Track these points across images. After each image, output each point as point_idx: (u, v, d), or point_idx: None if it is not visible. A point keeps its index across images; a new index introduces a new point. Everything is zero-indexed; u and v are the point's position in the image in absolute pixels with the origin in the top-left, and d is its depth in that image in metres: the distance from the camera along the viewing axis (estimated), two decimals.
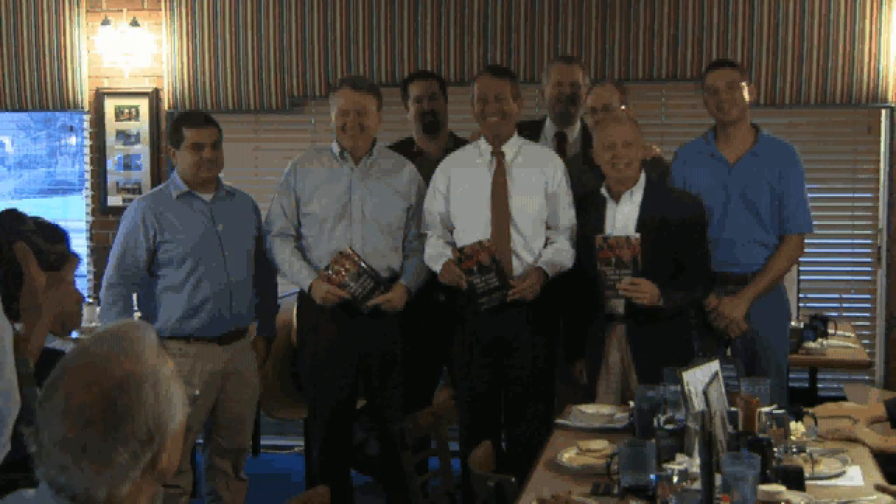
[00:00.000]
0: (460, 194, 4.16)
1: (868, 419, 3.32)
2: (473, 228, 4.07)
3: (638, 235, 3.84)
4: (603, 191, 4.03)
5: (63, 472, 1.48)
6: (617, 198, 3.99)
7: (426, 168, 4.37)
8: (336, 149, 4.23)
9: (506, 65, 5.46)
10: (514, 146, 4.17)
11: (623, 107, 4.51)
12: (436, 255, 4.11)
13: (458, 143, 4.63)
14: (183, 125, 4.14)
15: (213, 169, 4.15)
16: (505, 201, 4.09)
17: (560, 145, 4.59)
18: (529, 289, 3.99)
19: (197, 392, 3.97)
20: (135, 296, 4.22)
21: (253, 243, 4.26)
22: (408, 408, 4.11)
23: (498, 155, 4.15)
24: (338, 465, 4.29)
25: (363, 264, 4.06)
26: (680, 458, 2.86)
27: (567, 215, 4.12)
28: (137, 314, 4.24)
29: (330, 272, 4.05)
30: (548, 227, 4.13)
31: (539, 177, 4.12)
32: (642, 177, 4.00)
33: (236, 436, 4.26)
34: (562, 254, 4.07)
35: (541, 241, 4.11)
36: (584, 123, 4.69)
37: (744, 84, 4.20)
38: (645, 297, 3.82)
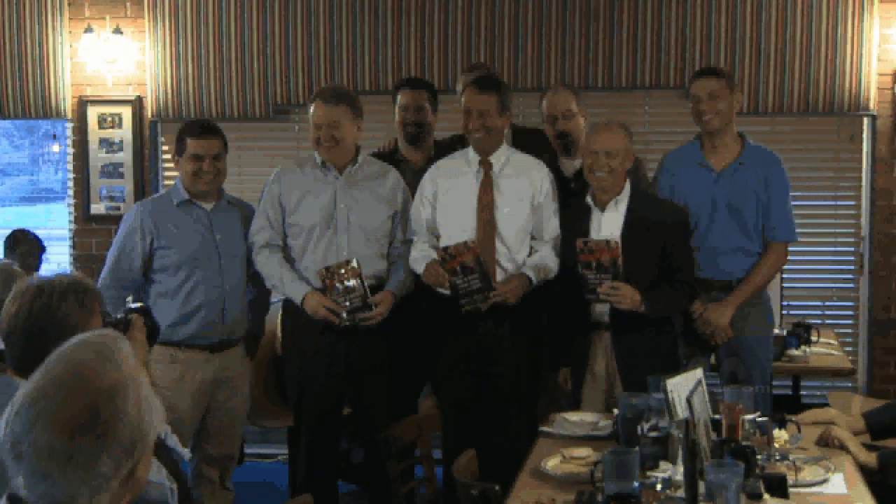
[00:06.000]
0: (447, 203, 4.15)
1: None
2: (459, 237, 4.03)
3: (618, 240, 3.84)
4: (588, 199, 4.03)
5: (45, 480, 1.48)
6: (602, 207, 3.99)
7: (408, 176, 4.36)
8: (319, 158, 4.22)
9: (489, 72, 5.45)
10: (501, 156, 4.17)
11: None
12: (420, 257, 4.10)
13: (441, 150, 4.61)
14: (186, 134, 4.13)
15: (214, 181, 4.16)
16: (491, 211, 4.09)
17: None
18: (511, 292, 3.99)
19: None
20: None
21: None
22: (393, 416, 4.09)
23: (485, 164, 4.14)
24: (323, 474, 4.28)
25: (361, 283, 4.04)
26: (664, 465, 2.87)
27: (552, 225, 4.12)
28: None
29: (328, 273, 4.02)
30: (532, 238, 4.14)
31: (526, 187, 4.12)
32: (627, 186, 4.00)
33: (225, 444, 4.24)
34: (546, 261, 4.07)
35: (525, 252, 4.11)
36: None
37: (729, 94, 4.20)
38: (625, 301, 3.82)
